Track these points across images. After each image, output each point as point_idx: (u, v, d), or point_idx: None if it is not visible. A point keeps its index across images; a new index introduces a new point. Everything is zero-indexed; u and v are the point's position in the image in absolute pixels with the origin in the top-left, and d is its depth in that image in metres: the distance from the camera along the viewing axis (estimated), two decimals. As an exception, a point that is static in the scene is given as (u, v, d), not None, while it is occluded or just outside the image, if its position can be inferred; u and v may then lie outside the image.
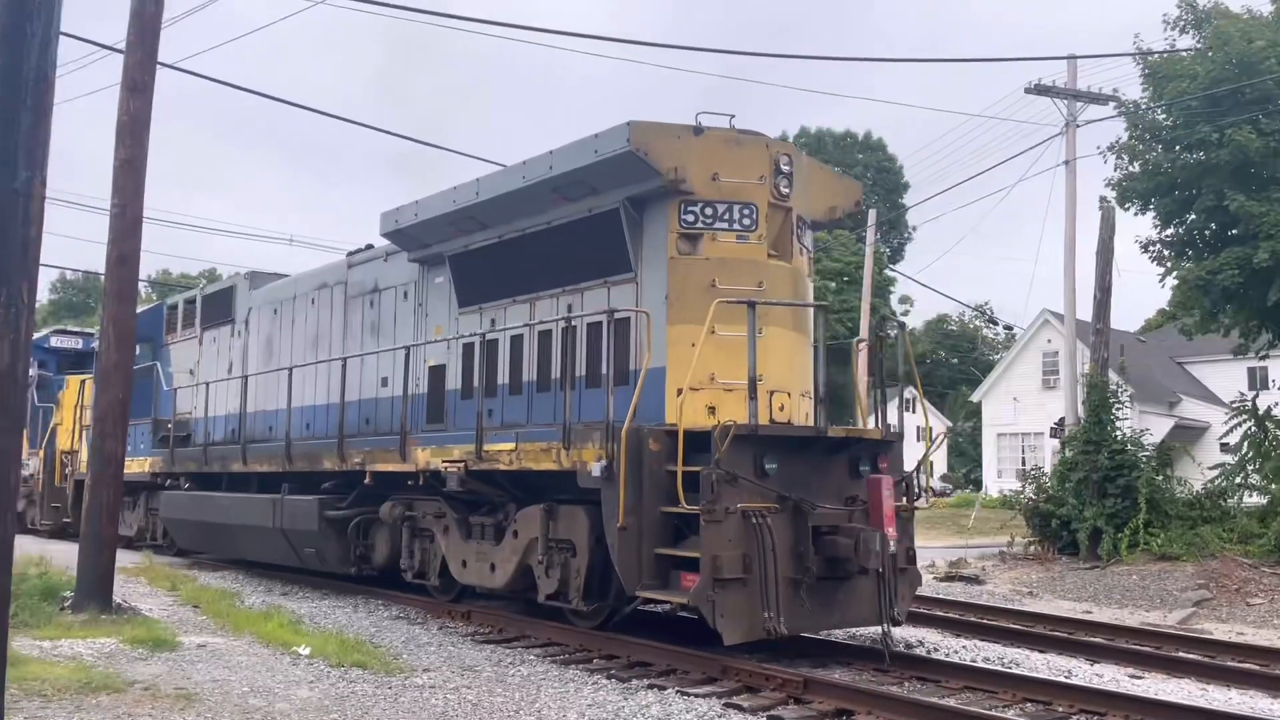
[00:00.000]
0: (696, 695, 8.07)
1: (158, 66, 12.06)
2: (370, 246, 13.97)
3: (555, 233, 10.41)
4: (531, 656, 9.59)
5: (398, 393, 12.14)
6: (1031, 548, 19.89)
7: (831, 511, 8.98)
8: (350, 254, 14.30)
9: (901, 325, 10.59)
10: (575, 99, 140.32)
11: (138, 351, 16.65)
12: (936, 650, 10.23)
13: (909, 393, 74.95)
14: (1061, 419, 24.30)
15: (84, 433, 19.28)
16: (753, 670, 8.52)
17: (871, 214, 40.04)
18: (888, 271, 54.89)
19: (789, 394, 9.59)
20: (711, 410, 9.15)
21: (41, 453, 21.88)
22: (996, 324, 75.60)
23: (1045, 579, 17.14)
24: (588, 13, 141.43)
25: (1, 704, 5.18)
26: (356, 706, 7.37)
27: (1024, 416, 43.25)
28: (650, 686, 8.36)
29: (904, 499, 9.77)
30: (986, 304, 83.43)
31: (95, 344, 20.56)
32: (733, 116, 9.65)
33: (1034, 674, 8.99)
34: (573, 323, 9.91)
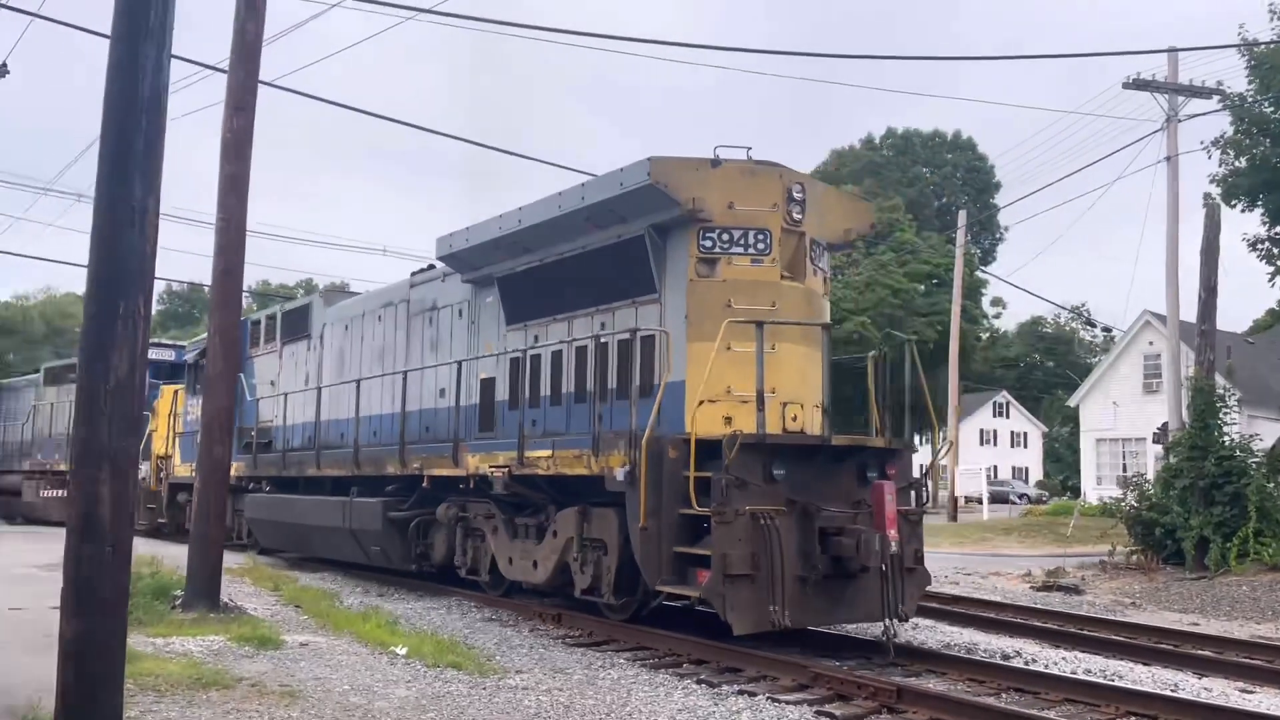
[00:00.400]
0: (787, 703, 8.03)
1: (259, 85, 12.48)
2: (431, 267, 14.75)
3: (589, 257, 11.24)
4: (621, 660, 9.66)
5: (453, 403, 12.97)
6: (1134, 557, 19.28)
7: (837, 514, 9.52)
8: (412, 274, 15.22)
9: (908, 341, 11.16)
10: (664, 105, 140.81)
11: None
12: (1035, 661, 9.99)
13: (1002, 396, 72.80)
14: (1165, 424, 23.50)
15: (176, 439, 20.83)
16: (844, 678, 8.44)
17: (962, 215, 39.34)
18: (979, 273, 53.75)
19: (802, 405, 10.24)
20: (728, 420, 9.84)
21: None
22: (1094, 326, 73.50)
23: (1148, 589, 16.59)
24: (690, 22, 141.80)
25: (121, 699, 5.43)
26: (452, 706, 7.52)
27: (1124, 421, 41.87)
28: (740, 692, 8.36)
29: (912, 504, 10.41)
30: (1083, 305, 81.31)
31: (186, 356, 22.10)
32: (749, 149, 10.31)
33: (1138, 687, 8.71)
34: (602, 340, 10.79)
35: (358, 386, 14.96)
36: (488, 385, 12.81)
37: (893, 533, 9.23)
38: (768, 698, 8.15)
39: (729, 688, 8.52)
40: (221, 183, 12.20)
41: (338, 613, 11.69)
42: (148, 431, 22.66)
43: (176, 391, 21.36)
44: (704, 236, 10.19)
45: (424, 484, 13.19)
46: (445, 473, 12.74)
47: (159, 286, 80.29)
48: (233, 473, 17.23)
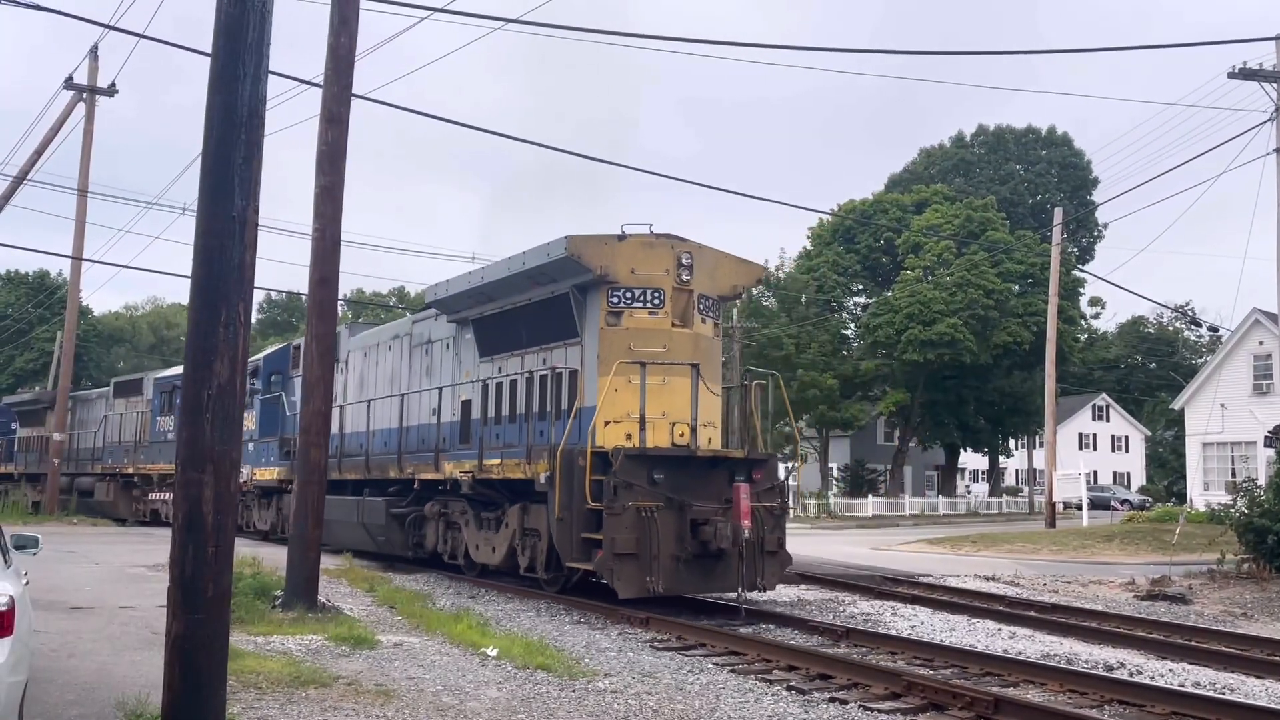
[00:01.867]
0: (880, 711, 7.89)
1: (352, 98, 12.79)
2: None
3: (533, 307, 14.13)
4: (710, 665, 9.61)
5: (441, 420, 16.08)
6: (1244, 566, 18.47)
7: (705, 508, 12.26)
8: (415, 312, 18.18)
9: (772, 375, 15.07)
10: (752, 112, 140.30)
11: (271, 383, 21.54)
12: (1140, 673, 9.64)
13: (1102, 399, 70.60)
14: (1277, 427, 22.51)
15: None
16: (939, 687, 8.26)
17: (1057, 212, 38.23)
18: (1076, 272, 52.16)
19: (688, 425, 12.89)
20: (628, 436, 12.47)
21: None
22: (1199, 325, 70.72)
23: (1261, 599, 15.89)
24: (800, 26, 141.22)
25: (224, 695, 5.60)
26: (542, 708, 7.58)
27: (1232, 424, 40.14)
28: (831, 700, 8.24)
29: (778, 500, 13.24)
30: (1188, 304, 78.16)
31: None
32: (651, 225, 13.26)
33: (1251, 701, 8.33)
34: (537, 373, 13.86)
35: (369, 406, 18.29)
36: (467, 406, 15.67)
37: (746, 523, 11.84)
38: (859, 706, 8.02)
39: (819, 695, 8.41)
40: (317, 193, 12.52)
41: (430, 614, 11.89)
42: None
43: None
44: (611, 294, 12.98)
45: (415, 486, 16.20)
46: (430, 476, 15.68)
47: (259, 295, 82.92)
48: (275, 476, 21.02)
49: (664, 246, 13.12)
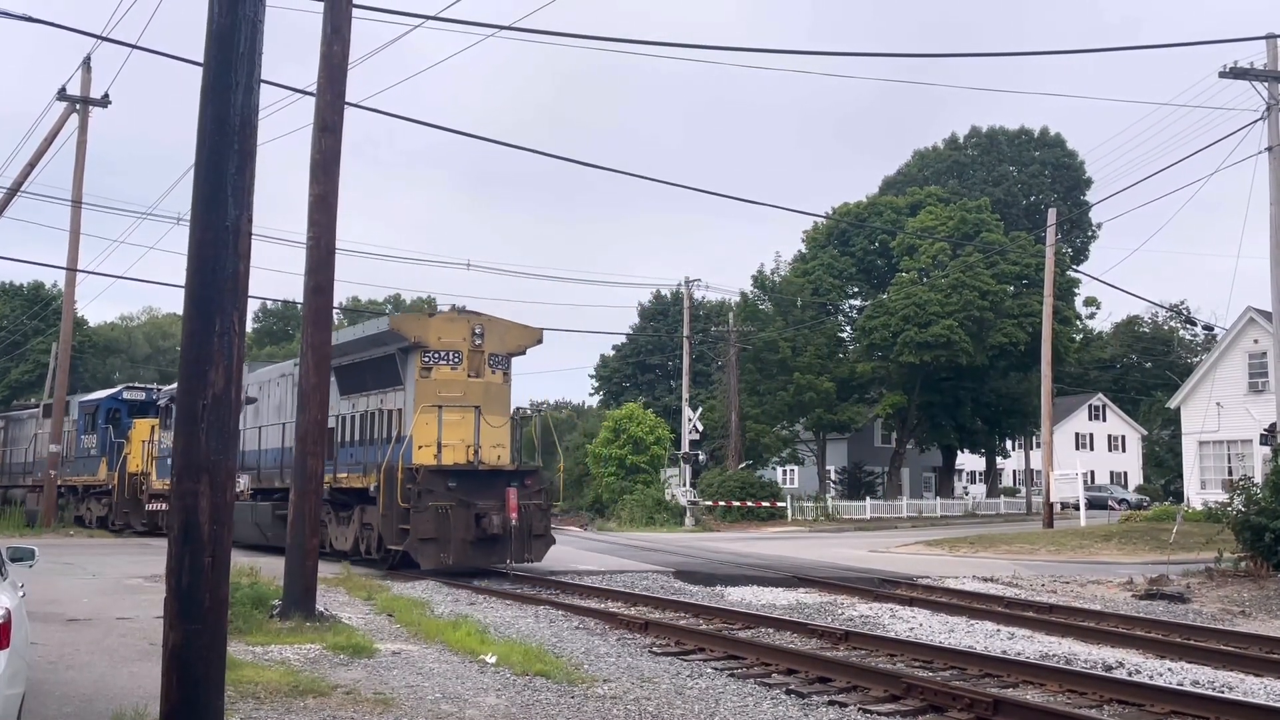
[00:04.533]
0: (879, 714, 7.89)
1: (345, 106, 12.79)
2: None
3: (373, 362, 18.90)
4: (709, 670, 9.60)
5: None
6: (1242, 564, 18.48)
7: (485, 505, 17.01)
8: (297, 358, 21.71)
9: (538, 410, 21.67)
10: (745, 115, 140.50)
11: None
12: (1139, 672, 9.64)
13: (1098, 399, 70.39)
14: (1272, 425, 22.54)
15: (154, 461, 26.84)
16: (938, 689, 8.26)
17: (1051, 213, 38.29)
18: (1070, 273, 52.22)
19: (480, 447, 17.66)
20: (435, 456, 17.12)
21: (115, 473, 28.66)
22: (1194, 324, 70.82)
23: (1259, 597, 15.90)
24: (790, 29, 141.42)
25: (221, 704, 5.59)
26: (541, 714, 7.56)
27: (1228, 423, 40.19)
28: (830, 703, 8.24)
29: (544, 499, 18.18)
30: (1182, 303, 78.29)
31: (156, 396, 28.33)
32: (454, 305, 18.85)
33: (1250, 699, 8.34)
34: (374, 410, 18.97)
35: (259, 431, 22.68)
36: (332, 432, 18.01)
37: (514, 515, 16.84)
38: (859, 709, 8.02)
39: (819, 698, 8.41)
40: (311, 202, 12.52)
41: (429, 621, 11.86)
42: (124, 454, 28.09)
43: (153, 426, 26.82)
44: (424, 356, 17.74)
45: (292, 494, 18.60)
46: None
47: (255, 305, 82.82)
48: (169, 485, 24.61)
49: (462, 320, 18.04)
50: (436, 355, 17.56)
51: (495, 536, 16.81)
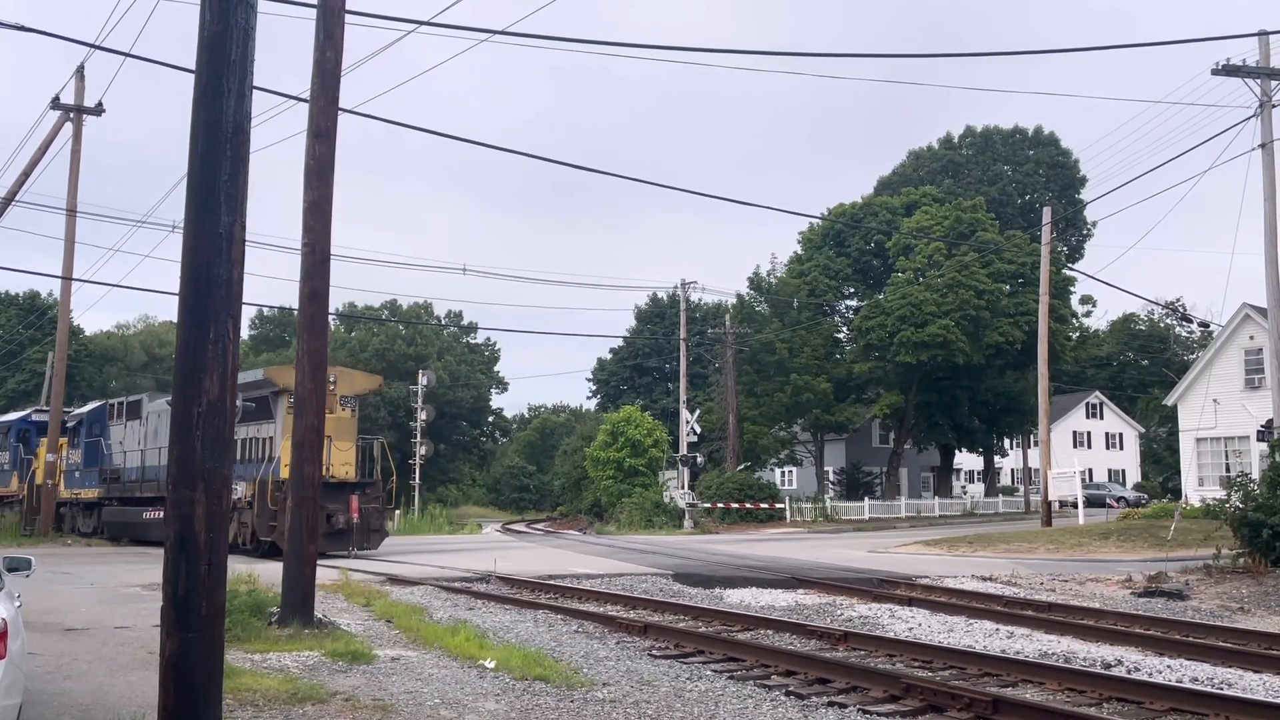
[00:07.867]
0: (879, 715, 7.89)
1: (339, 113, 12.78)
2: None
3: (254, 400, 23.43)
4: (709, 672, 9.60)
5: None
6: (1240, 560, 18.50)
7: (335, 507, 21.84)
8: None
9: (380, 441, 25.83)
10: (738, 113, 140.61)
11: (93, 429, 30.66)
12: (1137, 669, 9.65)
13: (1095, 397, 70.43)
14: (1269, 421, 22.57)
15: (62, 474, 31.13)
16: (937, 688, 8.26)
17: (1046, 211, 38.33)
18: (1066, 271, 52.28)
19: (331, 465, 21.47)
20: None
21: (25, 485, 32.90)
22: (1190, 321, 70.88)
23: (1257, 593, 15.92)
24: (775, 32, 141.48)
25: (220, 713, 5.57)
26: (540, 719, 7.55)
27: (1225, 419, 40.25)
28: (830, 704, 8.23)
29: (380, 503, 23.54)
30: (1178, 300, 78.50)
31: (65, 419, 32.20)
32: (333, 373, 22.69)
33: (1248, 695, 8.35)
34: (254, 438, 23.77)
35: (142, 453, 27.05)
36: None
37: (355, 515, 22.18)
38: (858, 709, 8.02)
39: (818, 699, 8.40)
40: (305, 208, 12.49)
41: (428, 627, 11.84)
42: (32, 469, 32.38)
43: (61, 444, 30.90)
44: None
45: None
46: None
47: (251, 312, 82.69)
48: (96, 495, 30.05)
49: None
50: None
51: (342, 530, 22.11)
